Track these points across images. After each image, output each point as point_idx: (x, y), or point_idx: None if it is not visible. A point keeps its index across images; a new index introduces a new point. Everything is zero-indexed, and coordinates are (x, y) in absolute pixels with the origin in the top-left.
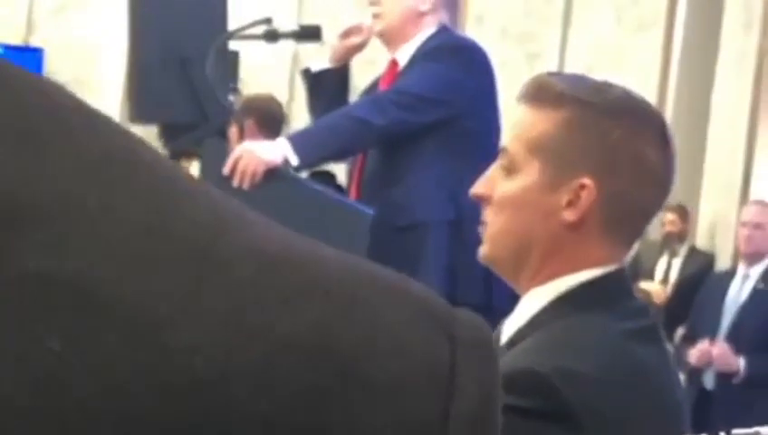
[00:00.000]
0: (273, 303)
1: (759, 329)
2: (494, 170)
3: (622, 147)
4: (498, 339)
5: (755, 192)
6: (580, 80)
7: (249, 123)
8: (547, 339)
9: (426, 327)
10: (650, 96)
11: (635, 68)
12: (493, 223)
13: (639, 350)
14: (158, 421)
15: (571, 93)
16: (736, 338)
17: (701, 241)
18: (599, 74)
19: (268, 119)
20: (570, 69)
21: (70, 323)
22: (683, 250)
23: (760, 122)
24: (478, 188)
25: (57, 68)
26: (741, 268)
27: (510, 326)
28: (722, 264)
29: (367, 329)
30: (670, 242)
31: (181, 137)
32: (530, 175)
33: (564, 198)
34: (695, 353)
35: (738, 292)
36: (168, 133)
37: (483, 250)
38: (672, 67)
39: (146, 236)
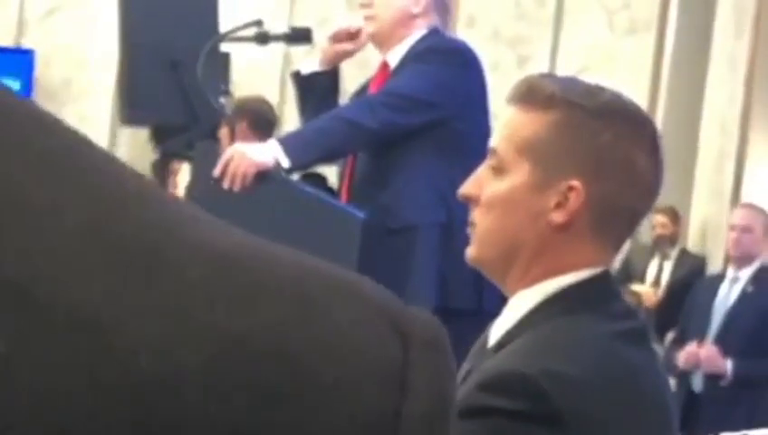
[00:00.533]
0: (223, 302)
1: (748, 332)
2: (482, 171)
3: (611, 150)
4: (486, 341)
5: (746, 196)
6: (571, 82)
7: (241, 126)
8: (535, 341)
9: (378, 327)
10: (642, 99)
11: (626, 71)
12: (481, 223)
13: (627, 352)
14: (103, 422)
15: (561, 95)
16: (725, 341)
17: (692, 244)
18: (590, 78)
19: (260, 121)
20: (561, 72)
21: (13, 324)
22: (674, 253)
23: (751, 126)
24: (466, 188)
25: (48, 70)
26: (730, 271)
27: (497, 328)
28: (713, 267)
29: (319, 329)
30: (661, 245)
31: (172, 139)
32: (519, 176)
33: (553, 200)
34: (683, 355)
35: (727, 295)
36: (158, 135)
37: (470, 251)
38: (663, 71)
39: (90, 235)
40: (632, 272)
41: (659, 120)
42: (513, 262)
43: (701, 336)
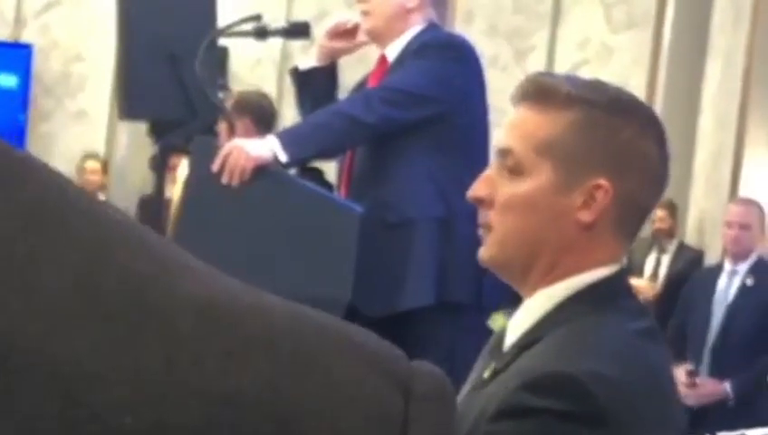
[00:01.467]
0: (213, 357)
1: (750, 326)
2: (494, 172)
3: (632, 146)
4: (501, 339)
5: (744, 189)
6: (575, 79)
7: (245, 121)
8: (569, 340)
9: (377, 382)
10: (639, 94)
11: (624, 65)
12: (500, 225)
13: (649, 350)
14: None
15: (576, 94)
16: (728, 336)
17: (690, 238)
18: (588, 72)
19: (264, 116)
20: (559, 66)
21: None
22: (672, 247)
23: (749, 119)
24: (478, 190)
25: (46, 64)
26: (727, 264)
27: (516, 327)
28: (711, 260)
29: (314, 384)
30: (659, 239)
31: (170, 133)
32: (541, 177)
33: (579, 199)
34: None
35: (726, 288)
36: (157, 130)
37: (487, 253)
38: (661, 65)
39: (74, 289)
40: (630, 265)
41: (657, 113)
42: (535, 262)
43: (703, 332)
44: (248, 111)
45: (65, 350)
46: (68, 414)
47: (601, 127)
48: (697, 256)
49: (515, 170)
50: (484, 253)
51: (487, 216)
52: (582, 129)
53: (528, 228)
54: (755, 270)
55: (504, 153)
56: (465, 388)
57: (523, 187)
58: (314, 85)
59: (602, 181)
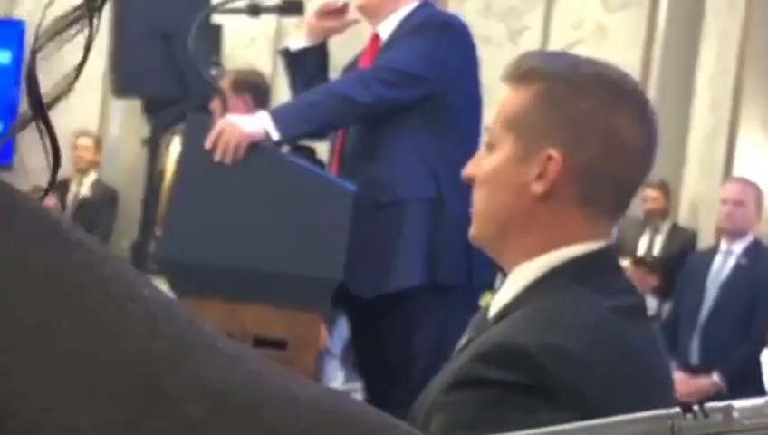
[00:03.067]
0: None
1: (742, 304)
2: (481, 151)
3: (590, 118)
4: (486, 312)
5: (738, 170)
6: (557, 56)
7: (246, 99)
8: (534, 314)
9: None
10: (634, 73)
11: (619, 46)
12: (477, 201)
13: (626, 328)
14: None
15: (542, 68)
16: (719, 315)
17: (683, 219)
18: (582, 52)
19: (262, 95)
20: (553, 46)
21: None
22: (665, 227)
23: (743, 100)
24: (467, 169)
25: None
26: (723, 245)
27: (498, 300)
28: (704, 241)
29: None
30: (652, 219)
31: (164, 111)
32: (504, 151)
33: (534, 171)
34: None
35: (721, 268)
36: (150, 108)
37: (471, 230)
38: (656, 45)
39: (82, 363)
40: (623, 246)
41: (651, 94)
42: (507, 236)
43: (695, 311)
44: (248, 89)
45: (65, 426)
46: None
47: (559, 99)
48: (691, 237)
49: (490, 146)
50: (470, 230)
51: (474, 194)
52: (541, 101)
53: (495, 202)
54: (750, 250)
55: (486, 131)
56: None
57: (492, 161)
58: (306, 65)
59: (553, 152)
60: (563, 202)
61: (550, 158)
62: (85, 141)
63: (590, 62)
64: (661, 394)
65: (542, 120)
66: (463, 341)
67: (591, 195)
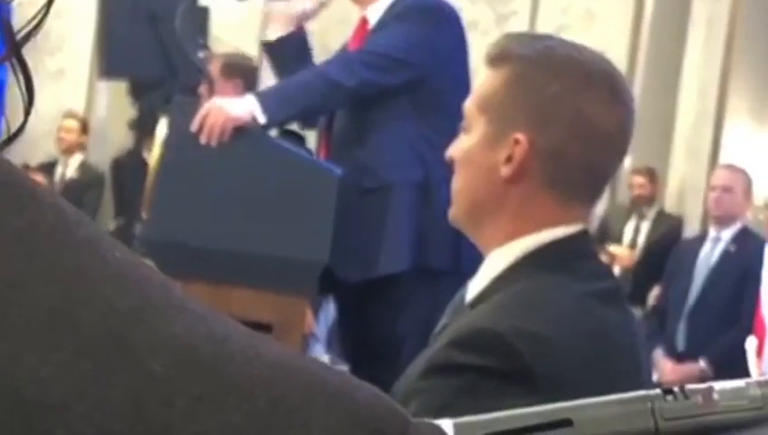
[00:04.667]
0: (183, 399)
1: (729, 291)
2: (461, 133)
3: (558, 102)
4: (463, 298)
5: (724, 156)
6: (534, 39)
7: (236, 82)
8: (508, 299)
9: None
10: (621, 59)
11: (606, 31)
12: (453, 183)
13: (601, 312)
14: None
15: (514, 51)
16: (707, 301)
17: (669, 205)
18: (569, 37)
19: (252, 79)
20: (540, 30)
21: None
22: (651, 213)
23: (730, 87)
24: (448, 151)
25: (25, 22)
26: (711, 232)
27: (474, 286)
28: (690, 228)
29: None
30: (639, 205)
31: (150, 93)
32: (477, 133)
33: (503, 154)
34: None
35: (709, 255)
36: (137, 89)
37: (450, 211)
38: (643, 31)
39: (50, 319)
40: (609, 233)
41: (638, 81)
42: (480, 219)
43: (682, 298)
44: (238, 74)
45: (31, 376)
46: None
47: (528, 81)
48: (677, 223)
49: (465, 128)
50: (449, 211)
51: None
52: (511, 83)
53: (467, 185)
54: (739, 238)
55: (464, 115)
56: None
57: (465, 143)
58: (288, 54)
59: (519, 135)
60: (532, 186)
61: (517, 141)
62: (70, 123)
63: (566, 45)
64: (637, 378)
65: (510, 103)
66: (440, 325)
67: (560, 179)
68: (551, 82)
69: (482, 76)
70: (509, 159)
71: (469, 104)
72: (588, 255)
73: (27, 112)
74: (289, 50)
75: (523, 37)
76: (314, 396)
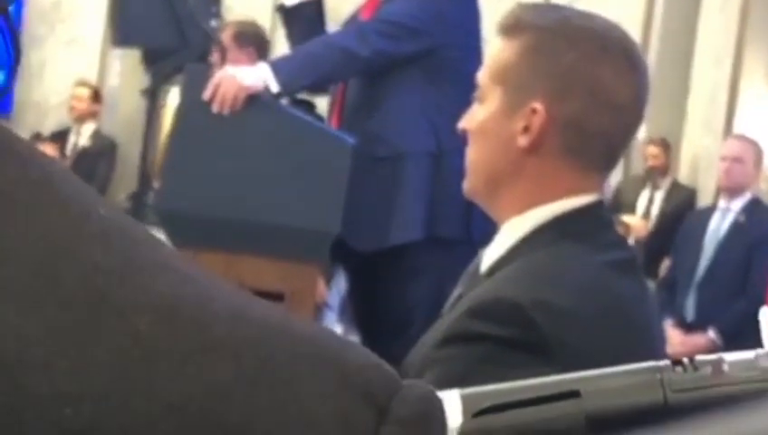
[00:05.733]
0: (167, 359)
1: (738, 263)
2: (474, 104)
3: (574, 70)
4: (477, 267)
5: (738, 127)
6: (548, 9)
7: (249, 51)
8: (525, 269)
9: (349, 401)
10: (635, 29)
11: (620, 2)
12: (468, 155)
13: (617, 282)
14: None
15: (529, 20)
16: (716, 272)
17: (683, 176)
18: (583, 7)
19: (265, 47)
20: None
21: None
22: (665, 184)
23: (745, 57)
24: (462, 122)
25: None
26: (721, 202)
27: (489, 255)
28: (704, 199)
29: (272, 398)
30: (653, 176)
31: (163, 61)
32: (493, 103)
33: (520, 124)
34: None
35: (718, 226)
36: (149, 58)
37: (464, 184)
38: (657, 1)
39: (31, 276)
40: (623, 203)
41: (653, 51)
42: (497, 190)
43: (691, 269)
44: (251, 42)
45: (12, 333)
46: (7, 398)
47: (545, 51)
48: (690, 194)
49: (480, 99)
50: (464, 183)
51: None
52: (527, 53)
53: (484, 156)
54: (748, 208)
55: (477, 85)
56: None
57: (481, 114)
58: (302, 20)
59: (537, 105)
60: (550, 155)
61: (534, 111)
62: (82, 91)
63: (580, 15)
64: (651, 348)
65: (527, 72)
66: (455, 295)
67: (578, 148)
68: (567, 52)
69: (495, 46)
70: (526, 129)
71: (483, 75)
72: (603, 224)
73: (14, 70)
74: (305, 15)
75: (538, 7)
76: (302, 357)
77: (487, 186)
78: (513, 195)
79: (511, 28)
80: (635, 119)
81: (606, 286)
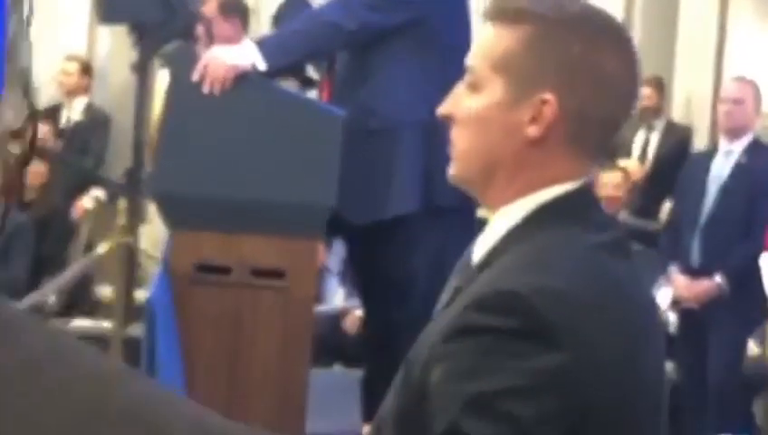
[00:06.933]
0: None
1: (742, 205)
2: (459, 89)
3: (581, 60)
4: (469, 258)
5: (729, 65)
6: None
7: (235, 22)
8: (521, 257)
9: None
10: None
11: None
12: (457, 141)
13: (611, 263)
14: None
15: (531, 9)
16: (720, 214)
17: (677, 115)
18: None
19: (247, 17)
20: None
21: None
22: (660, 125)
23: None
24: (444, 107)
25: None
26: (723, 144)
27: (481, 246)
28: (699, 138)
29: None
30: (646, 117)
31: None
32: (493, 92)
33: (527, 114)
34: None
35: (721, 168)
36: (137, 31)
37: (451, 170)
38: None
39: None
40: (618, 145)
41: None
42: (492, 179)
43: (696, 213)
44: (235, 12)
45: None
46: None
47: (550, 41)
48: (686, 134)
49: (474, 87)
50: (449, 170)
51: (453, 133)
52: (532, 43)
53: (481, 145)
54: (750, 150)
55: (467, 71)
56: (438, 306)
57: (478, 102)
58: None
59: (548, 96)
60: (553, 145)
61: (544, 102)
62: (70, 66)
63: (575, 2)
64: (646, 326)
65: (534, 63)
66: (452, 286)
67: (580, 137)
68: (574, 41)
69: (490, 33)
70: (534, 120)
71: (479, 62)
72: (591, 206)
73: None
74: None
75: None
76: None
77: (484, 174)
78: (509, 183)
79: (509, 16)
80: (631, 105)
81: (603, 268)
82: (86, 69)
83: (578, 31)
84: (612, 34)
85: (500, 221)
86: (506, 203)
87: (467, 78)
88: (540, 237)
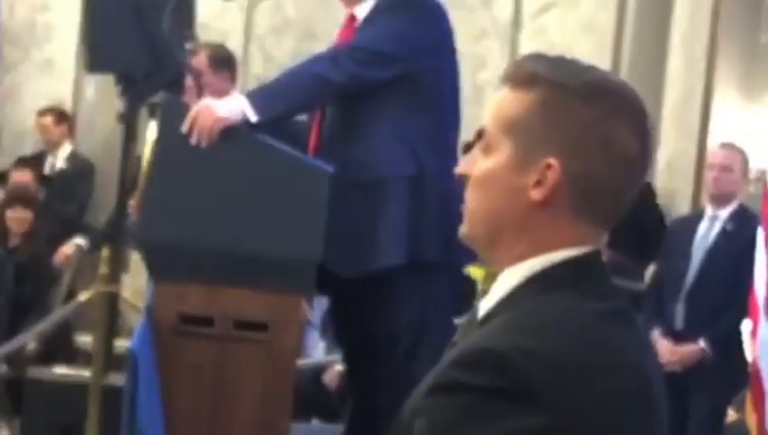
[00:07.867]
0: None
1: (727, 271)
2: (475, 149)
3: (590, 128)
4: (474, 317)
5: (714, 132)
6: (560, 62)
7: (224, 76)
8: (514, 319)
9: None
10: (607, 32)
11: (592, 6)
12: (469, 202)
13: (609, 330)
14: None
15: (544, 74)
16: (705, 280)
17: (660, 181)
18: (556, 14)
19: (236, 70)
20: (526, 8)
21: None
22: None
23: (718, 60)
24: (461, 167)
25: (12, 14)
26: (709, 210)
27: (485, 305)
28: (681, 204)
29: None
30: None
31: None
32: (503, 154)
33: (533, 178)
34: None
35: (707, 233)
36: (124, 81)
37: (461, 229)
38: (629, 5)
39: None
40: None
41: (625, 54)
42: (498, 239)
43: (681, 276)
44: (225, 67)
45: None
46: None
47: (560, 107)
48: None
49: (486, 148)
50: (461, 229)
51: (467, 193)
52: (542, 108)
53: (488, 205)
54: (736, 216)
55: (480, 133)
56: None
57: (488, 164)
58: None
59: (552, 160)
60: (558, 210)
61: (549, 166)
62: (46, 120)
63: (593, 70)
64: (644, 399)
65: (542, 127)
66: (451, 342)
67: (586, 203)
68: (583, 109)
69: (504, 96)
70: (538, 183)
71: (491, 124)
72: (598, 274)
73: None
74: None
75: (551, 60)
76: None
77: (488, 235)
78: (514, 245)
79: (523, 80)
80: (642, 174)
81: (596, 333)
82: (62, 116)
83: (590, 100)
84: (627, 107)
85: (504, 281)
86: (512, 263)
87: (482, 139)
88: (538, 300)
